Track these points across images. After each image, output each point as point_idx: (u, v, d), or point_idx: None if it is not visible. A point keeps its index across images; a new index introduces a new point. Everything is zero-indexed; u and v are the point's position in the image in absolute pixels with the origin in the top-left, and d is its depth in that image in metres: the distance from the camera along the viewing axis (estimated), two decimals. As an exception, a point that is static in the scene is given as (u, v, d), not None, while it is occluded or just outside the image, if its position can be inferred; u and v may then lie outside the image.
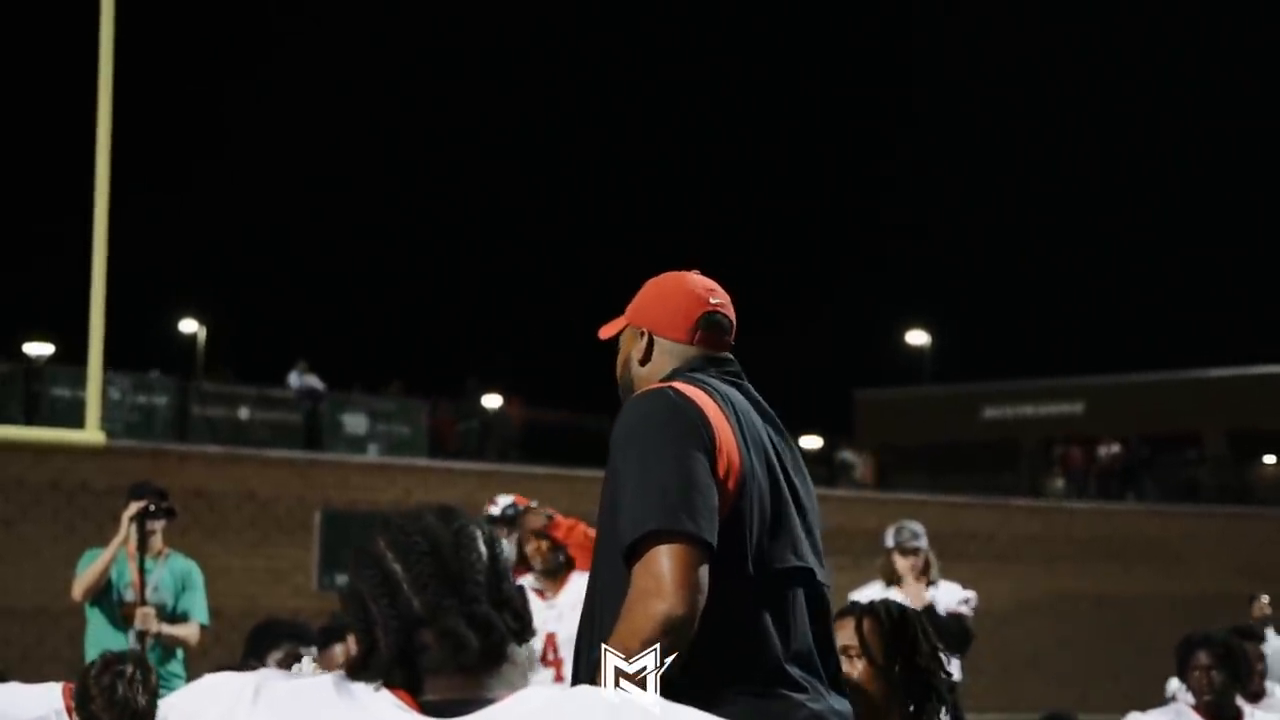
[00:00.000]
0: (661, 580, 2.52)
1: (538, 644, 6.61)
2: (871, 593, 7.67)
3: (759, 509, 2.71)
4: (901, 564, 7.69)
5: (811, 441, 30.75)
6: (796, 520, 2.78)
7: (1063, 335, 56.43)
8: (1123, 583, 26.38)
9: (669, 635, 2.46)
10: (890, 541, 7.77)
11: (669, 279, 3.08)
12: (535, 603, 6.65)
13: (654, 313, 3.02)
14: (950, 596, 7.74)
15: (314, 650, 4.79)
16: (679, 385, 2.80)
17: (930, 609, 7.40)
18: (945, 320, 48.88)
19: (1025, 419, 41.66)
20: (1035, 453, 34.42)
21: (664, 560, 2.53)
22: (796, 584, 2.76)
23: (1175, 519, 28.19)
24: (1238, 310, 54.32)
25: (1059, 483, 30.59)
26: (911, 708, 3.37)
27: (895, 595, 7.66)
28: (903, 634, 3.38)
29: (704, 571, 2.55)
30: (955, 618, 7.65)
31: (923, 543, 7.75)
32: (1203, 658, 5.16)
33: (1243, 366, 41.27)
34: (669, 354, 2.98)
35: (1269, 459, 36.75)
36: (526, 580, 6.79)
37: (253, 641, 4.96)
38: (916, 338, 43.81)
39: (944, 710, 3.41)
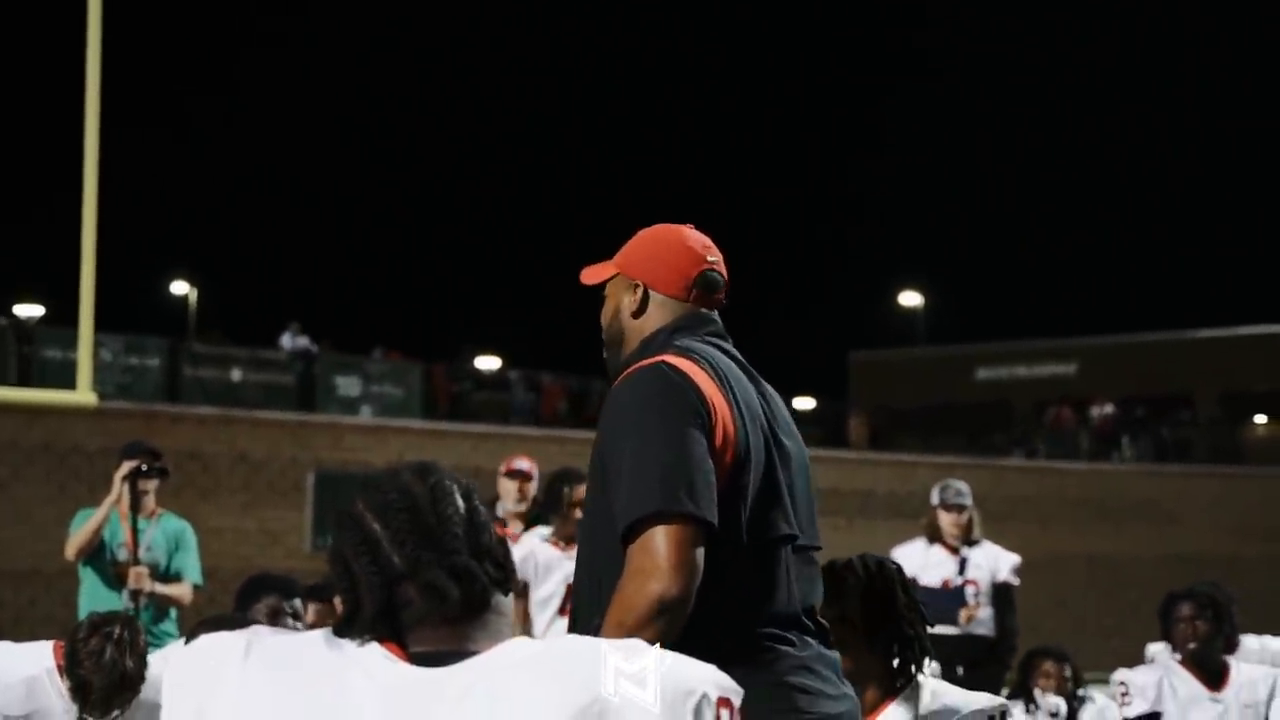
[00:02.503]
0: (658, 560, 2.53)
1: (559, 593, 6.79)
2: (913, 550, 7.79)
3: (754, 479, 2.72)
4: (945, 520, 7.80)
5: (805, 402, 30.75)
6: (785, 486, 2.79)
7: (1056, 296, 56.49)
8: (1115, 543, 26.46)
9: (664, 615, 2.50)
10: (935, 498, 7.89)
11: (666, 232, 3.04)
12: (555, 553, 6.90)
13: (651, 266, 2.98)
14: (991, 557, 7.83)
15: (298, 602, 4.81)
16: (672, 360, 2.76)
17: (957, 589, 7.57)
18: (939, 281, 48.95)
19: (1018, 380, 41.72)
20: (1028, 413, 34.49)
21: (661, 540, 2.54)
22: (785, 548, 2.77)
23: (1167, 479, 28.26)
24: (1230, 271, 54.37)
25: (1052, 443, 30.66)
26: (895, 661, 3.41)
27: (937, 552, 7.77)
28: (878, 586, 3.43)
29: (700, 552, 2.56)
30: (1004, 589, 7.76)
31: (968, 501, 7.86)
32: (1185, 609, 5.21)
33: (1235, 327, 41.32)
34: (663, 308, 2.96)
35: (1261, 419, 36.83)
36: (540, 532, 6.98)
37: (240, 595, 4.98)
38: (910, 299, 43.84)
39: (927, 660, 3.46)
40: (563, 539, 6.86)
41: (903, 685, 3.42)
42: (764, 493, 2.74)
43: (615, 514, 2.62)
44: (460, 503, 2.00)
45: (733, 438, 2.70)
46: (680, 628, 2.50)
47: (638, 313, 2.97)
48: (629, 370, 2.81)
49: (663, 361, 2.76)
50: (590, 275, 3.07)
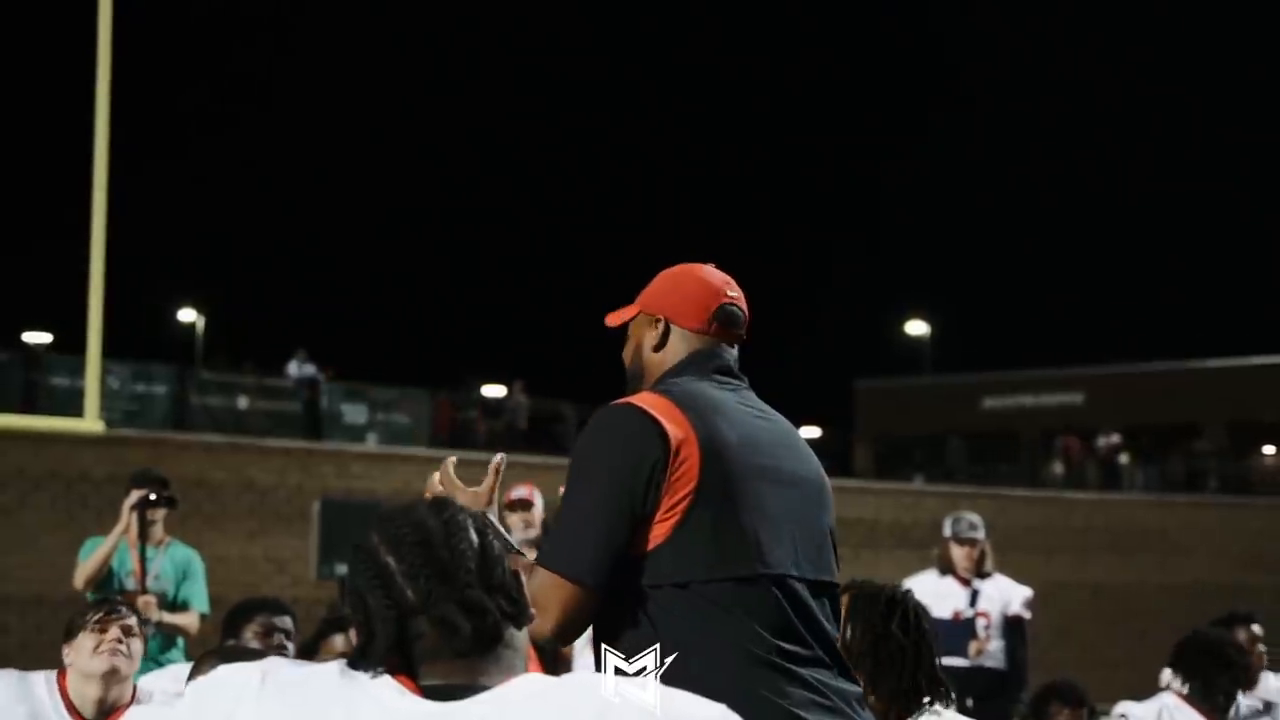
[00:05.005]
0: (547, 604, 2.75)
1: None
2: (925, 581, 7.78)
3: (720, 517, 2.77)
4: (958, 554, 7.77)
5: (810, 431, 30.76)
6: (777, 520, 2.81)
7: (1062, 325, 56.45)
8: (1121, 573, 26.40)
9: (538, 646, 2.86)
10: (948, 531, 7.87)
11: (687, 269, 3.10)
12: None
13: (671, 301, 3.04)
14: (1003, 590, 7.81)
15: (287, 619, 4.82)
16: (643, 401, 2.85)
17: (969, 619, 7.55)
18: (945, 310, 48.91)
19: (1024, 409, 41.68)
20: (1035, 443, 34.45)
21: (554, 591, 2.76)
22: (781, 581, 2.78)
23: (1174, 509, 28.20)
24: (1237, 301, 54.33)
25: (1058, 473, 30.61)
26: (903, 685, 3.41)
27: (948, 583, 7.75)
28: (878, 609, 3.43)
29: (583, 610, 2.78)
30: (1015, 623, 7.74)
31: (980, 534, 7.84)
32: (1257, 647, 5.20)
33: (1242, 357, 41.27)
34: (684, 342, 3.01)
35: (1268, 450, 36.78)
36: None
37: (227, 623, 4.98)
38: (916, 328, 43.83)
39: (940, 691, 3.44)
40: None
41: (914, 710, 3.41)
42: (745, 529, 2.77)
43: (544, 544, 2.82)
44: (474, 537, 2.02)
45: (693, 475, 2.76)
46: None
47: (659, 346, 3.03)
48: (603, 407, 2.91)
49: (629, 403, 2.86)
50: (614, 318, 3.14)
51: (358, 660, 1.98)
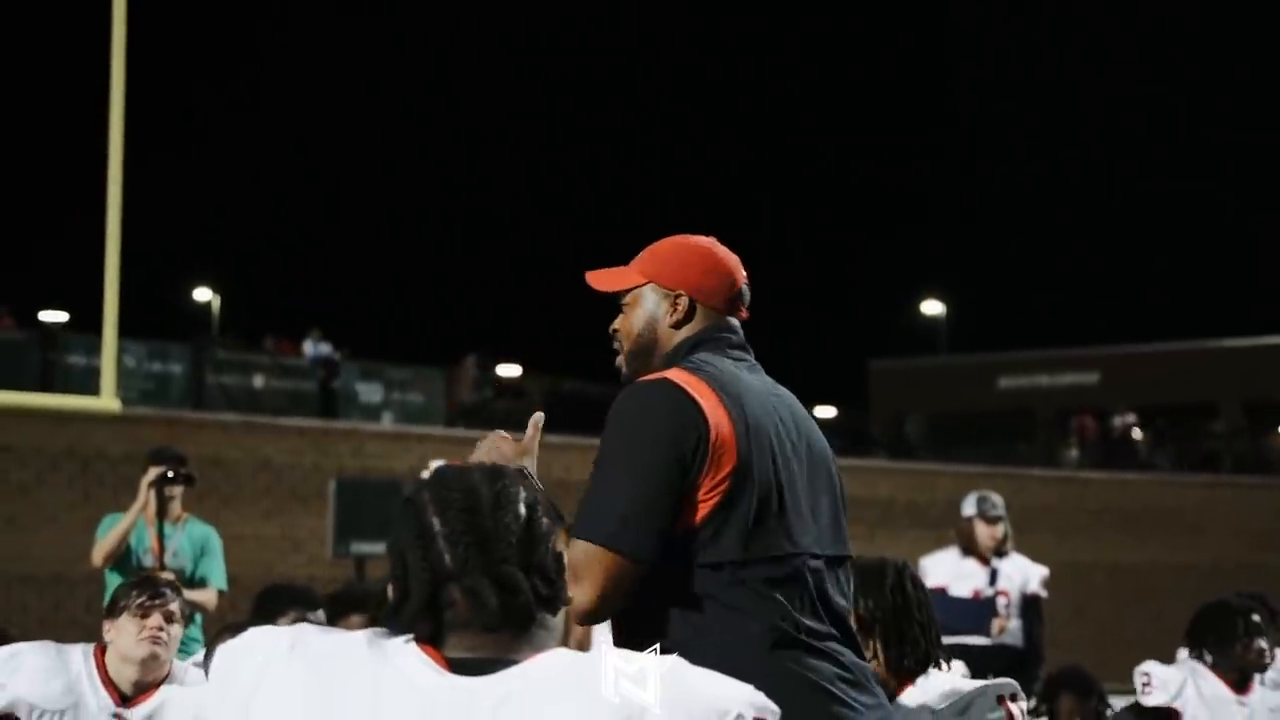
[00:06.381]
0: (586, 574, 2.68)
1: None
2: (945, 560, 7.79)
3: (759, 497, 2.76)
4: (984, 532, 7.77)
5: (826, 411, 30.73)
6: (801, 500, 2.82)
7: (1078, 305, 56.34)
8: (1137, 553, 26.37)
9: (579, 621, 2.75)
10: (971, 510, 7.84)
11: (702, 244, 3.05)
12: None
13: (695, 277, 2.99)
14: (1021, 569, 7.82)
15: (321, 614, 4.83)
16: (675, 377, 2.81)
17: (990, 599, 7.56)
18: (960, 290, 48.80)
19: (1040, 389, 41.60)
20: (1050, 423, 34.40)
21: (594, 562, 2.69)
22: (805, 560, 2.79)
23: (1190, 489, 28.15)
24: (1254, 280, 54.13)
25: (1074, 453, 30.56)
26: (905, 659, 3.44)
27: (969, 563, 7.75)
28: (886, 581, 3.47)
29: (624, 583, 2.70)
30: (1033, 601, 7.76)
31: (1004, 512, 7.84)
32: (1261, 642, 5.18)
33: (1259, 336, 41.14)
34: (704, 320, 2.97)
35: (1285, 429, 36.66)
36: None
37: (260, 606, 4.99)
38: (932, 307, 43.75)
39: (932, 659, 3.48)
40: None
41: (916, 674, 3.47)
42: (777, 509, 2.77)
43: (577, 515, 2.74)
44: (522, 510, 2.00)
45: (731, 456, 2.74)
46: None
47: (680, 323, 2.97)
48: (636, 382, 2.86)
49: (665, 379, 2.81)
50: (610, 282, 3.06)
51: (390, 616, 1.98)
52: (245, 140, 55.50)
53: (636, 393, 2.81)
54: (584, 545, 2.69)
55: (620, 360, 3.03)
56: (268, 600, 5.03)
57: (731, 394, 2.80)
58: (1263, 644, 5.17)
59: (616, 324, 3.03)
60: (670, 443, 2.71)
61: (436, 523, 1.97)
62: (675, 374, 2.82)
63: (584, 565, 2.67)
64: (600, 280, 3.06)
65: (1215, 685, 5.21)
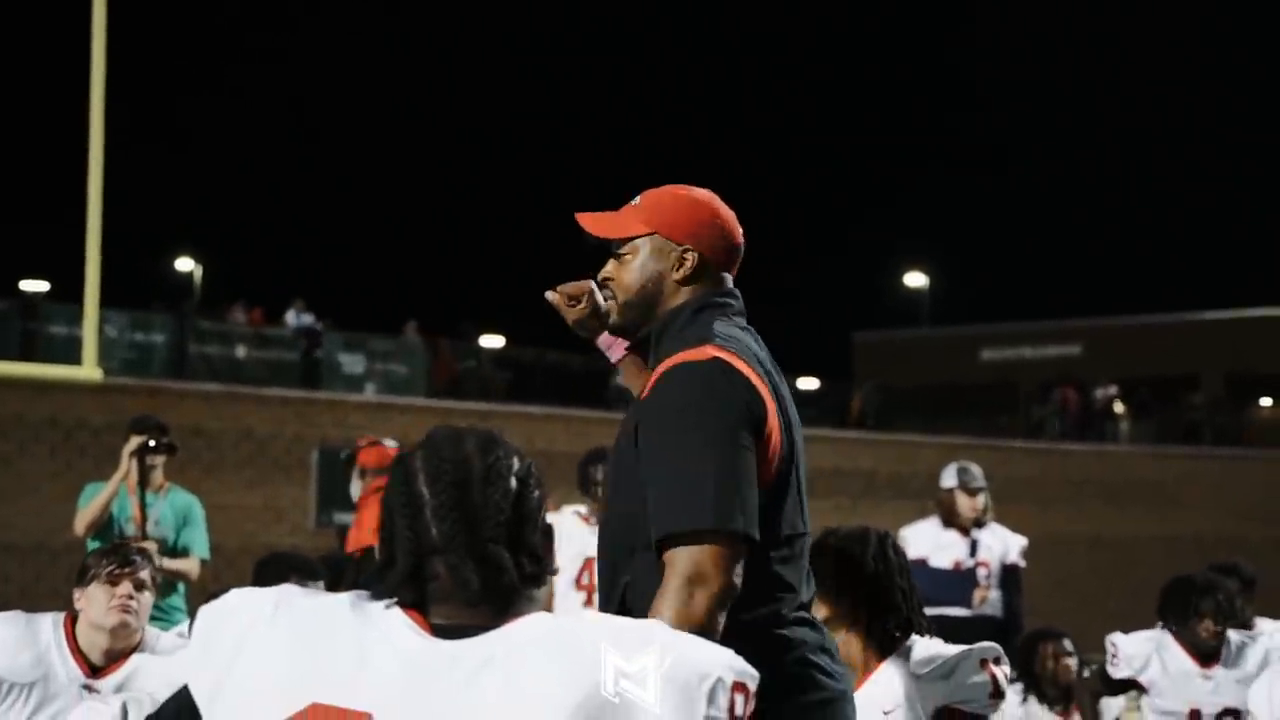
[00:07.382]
0: (707, 570, 2.53)
1: (577, 567, 6.82)
2: (926, 530, 7.81)
3: (794, 476, 2.74)
4: (965, 504, 7.78)
5: (809, 383, 30.76)
6: (802, 479, 2.81)
7: (1061, 278, 56.45)
8: (1118, 525, 26.48)
9: (704, 625, 2.50)
10: (952, 481, 7.84)
11: (710, 199, 2.88)
12: (581, 527, 6.94)
13: (704, 233, 2.83)
14: (1000, 539, 7.85)
15: (320, 585, 4.82)
16: (724, 356, 2.67)
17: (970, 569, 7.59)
18: (943, 262, 48.89)
19: (1023, 361, 41.70)
20: (1032, 395, 34.48)
21: (711, 554, 2.53)
22: (803, 545, 2.79)
23: (1172, 461, 28.27)
24: (1236, 253, 54.26)
25: (1056, 425, 30.65)
26: (885, 625, 3.45)
27: (950, 534, 7.77)
28: (869, 550, 3.47)
29: (741, 566, 2.56)
30: (1012, 571, 7.79)
31: (984, 482, 7.86)
32: (1210, 625, 5.23)
33: (1241, 309, 41.28)
34: (710, 280, 2.83)
35: (1266, 401, 36.81)
36: (577, 508, 7.02)
37: (259, 574, 4.98)
38: (915, 280, 43.80)
39: (914, 625, 3.49)
40: (593, 516, 6.89)
41: (891, 648, 3.47)
42: (794, 489, 2.75)
43: (652, 513, 2.58)
44: (513, 486, 1.98)
45: (778, 436, 2.68)
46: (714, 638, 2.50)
47: (687, 280, 2.81)
48: (676, 361, 2.68)
49: (717, 358, 2.66)
50: (609, 228, 2.88)
51: (375, 579, 1.97)
52: (228, 110, 55.28)
53: (694, 372, 2.64)
54: (690, 544, 2.53)
55: (610, 307, 2.88)
56: (265, 569, 5.02)
57: (763, 371, 2.72)
58: (1211, 625, 5.23)
59: (609, 272, 2.87)
60: (745, 420, 2.61)
61: (426, 493, 1.96)
62: (721, 353, 2.68)
63: (698, 564, 2.52)
64: (597, 225, 2.88)
65: (1181, 658, 5.28)
